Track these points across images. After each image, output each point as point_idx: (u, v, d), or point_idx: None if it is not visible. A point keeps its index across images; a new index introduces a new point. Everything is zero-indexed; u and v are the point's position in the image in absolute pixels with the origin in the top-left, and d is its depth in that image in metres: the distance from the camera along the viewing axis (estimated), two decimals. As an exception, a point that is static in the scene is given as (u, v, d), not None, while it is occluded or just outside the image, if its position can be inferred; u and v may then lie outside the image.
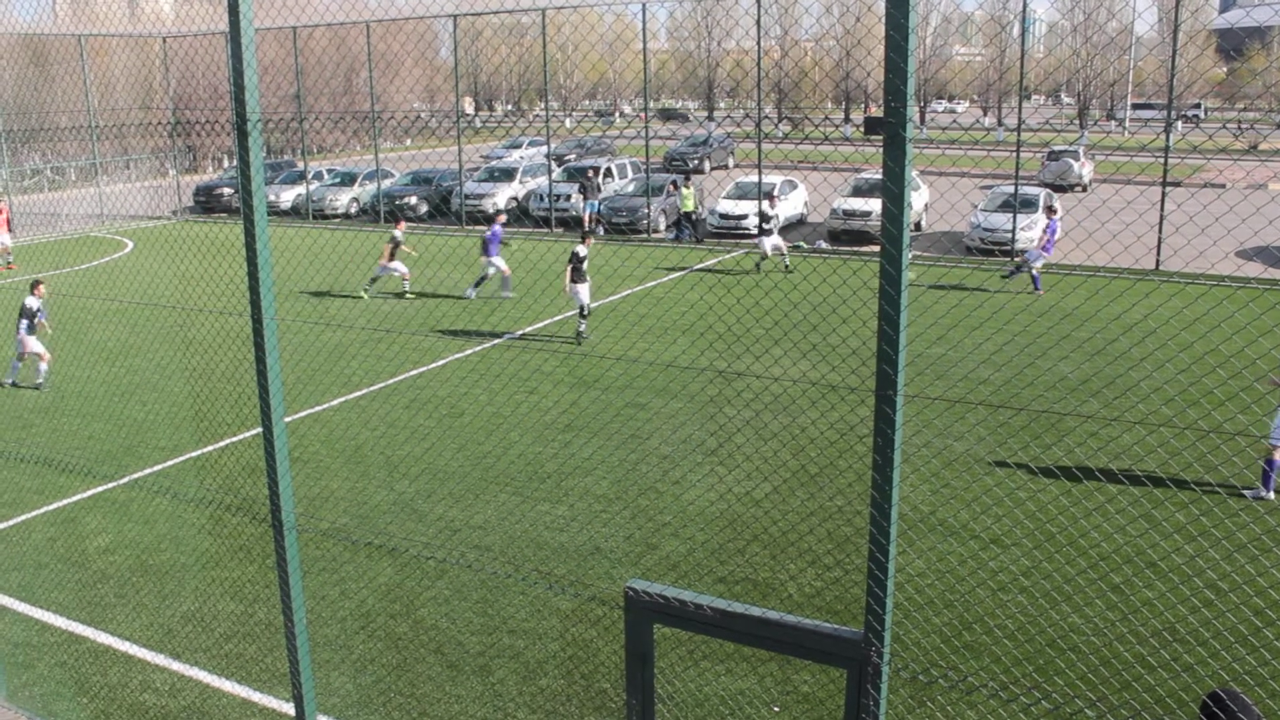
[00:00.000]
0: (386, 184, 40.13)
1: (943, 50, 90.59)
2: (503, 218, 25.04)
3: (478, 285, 24.30)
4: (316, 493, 12.77)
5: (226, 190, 42.08)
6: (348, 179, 41.36)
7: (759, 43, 32.92)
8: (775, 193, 30.70)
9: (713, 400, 16.11)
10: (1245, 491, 12.57)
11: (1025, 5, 32.22)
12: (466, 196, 37.35)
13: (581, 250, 19.93)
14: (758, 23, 32.54)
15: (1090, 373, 17.47)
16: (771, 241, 26.64)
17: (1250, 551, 10.97)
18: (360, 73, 55.69)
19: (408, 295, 24.81)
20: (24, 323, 17.79)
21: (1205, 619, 9.63)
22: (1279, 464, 12.42)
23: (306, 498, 12.55)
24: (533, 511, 12.19)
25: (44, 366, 18.09)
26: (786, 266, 26.55)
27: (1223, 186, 42.62)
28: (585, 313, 19.90)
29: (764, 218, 26.78)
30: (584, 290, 19.75)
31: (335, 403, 16.38)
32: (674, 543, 11.34)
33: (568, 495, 12.64)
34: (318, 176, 42.68)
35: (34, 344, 17.92)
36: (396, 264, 24.47)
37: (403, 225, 25.98)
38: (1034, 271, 24.21)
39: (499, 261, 23.73)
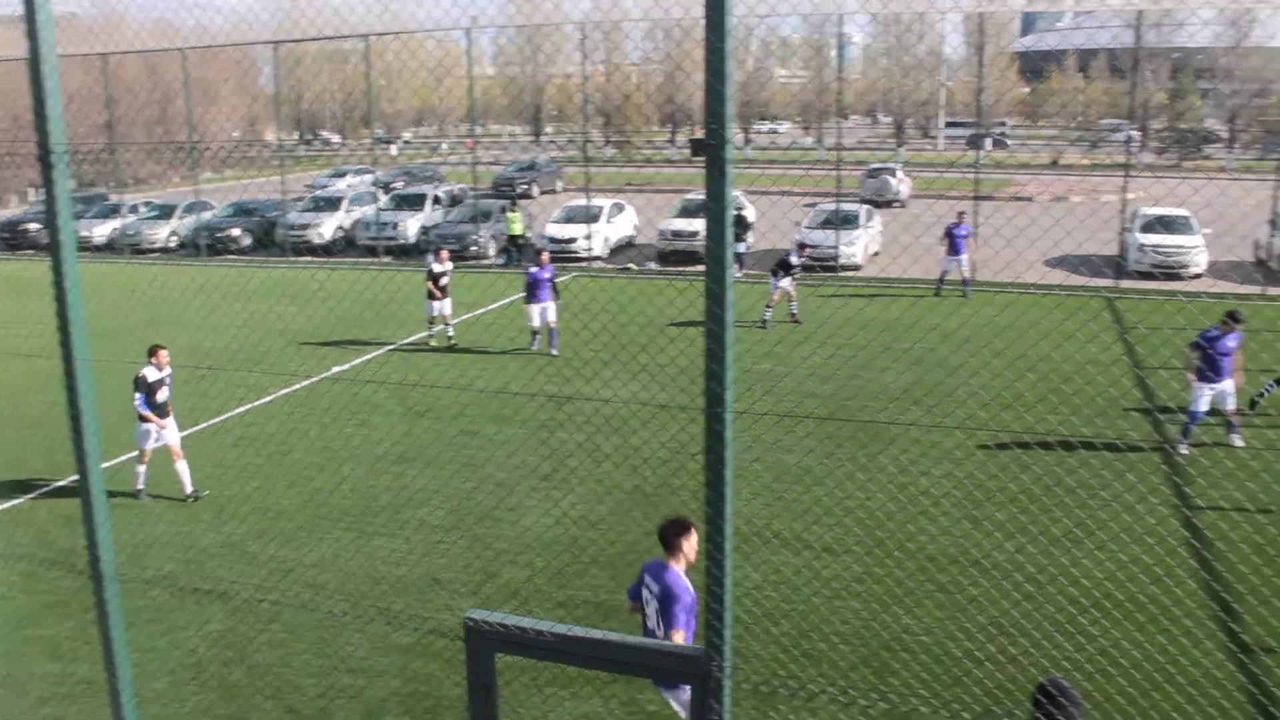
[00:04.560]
0: (207, 216, 38.93)
1: (764, 73, 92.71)
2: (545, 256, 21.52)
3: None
4: (140, 539, 12.26)
5: (33, 225, 40.10)
6: (165, 212, 39.94)
7: (584, 67, 33.22)
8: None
9: (544, 425, 16.11)
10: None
11: (841, 29, 33.32)
12: (291, 227, 36.52)
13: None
14: (581, 48, 32.85)
15: (912, 381, 18.12)
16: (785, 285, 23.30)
17: (1064, 545, 11.53)
18: (175, 101, 53.98)
19: (432, 341, 22.16)
20: (139, 398, 13.31)
21: (1027, 611, 10.08)
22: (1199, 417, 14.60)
23: (129, 545, 12.04)
24: (368, 546, 11.97)
25: (182, 467, 13.61)
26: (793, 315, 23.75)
27: (1029, 199, 44.80)
28: None
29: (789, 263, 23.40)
30: None
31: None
32: (513, 570, 11.29)
33: (404, 527, 12.46)
34: (133, 210, 41.09)
35: (167, 432, 13.57)
36: (441, 303, 21.71)
37: (444, 255, 22.35)
38: (963, 276, 25.98)
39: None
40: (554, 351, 20.83)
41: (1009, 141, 79.73)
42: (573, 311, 21.79)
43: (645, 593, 7.22)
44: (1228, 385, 14.40)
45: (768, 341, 21.17)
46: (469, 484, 13.77)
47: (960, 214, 26.25)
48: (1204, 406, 14.51)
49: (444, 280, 21.63)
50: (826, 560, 11.33)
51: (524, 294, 21.17)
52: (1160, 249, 28.41)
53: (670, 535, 7.21)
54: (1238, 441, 14.84)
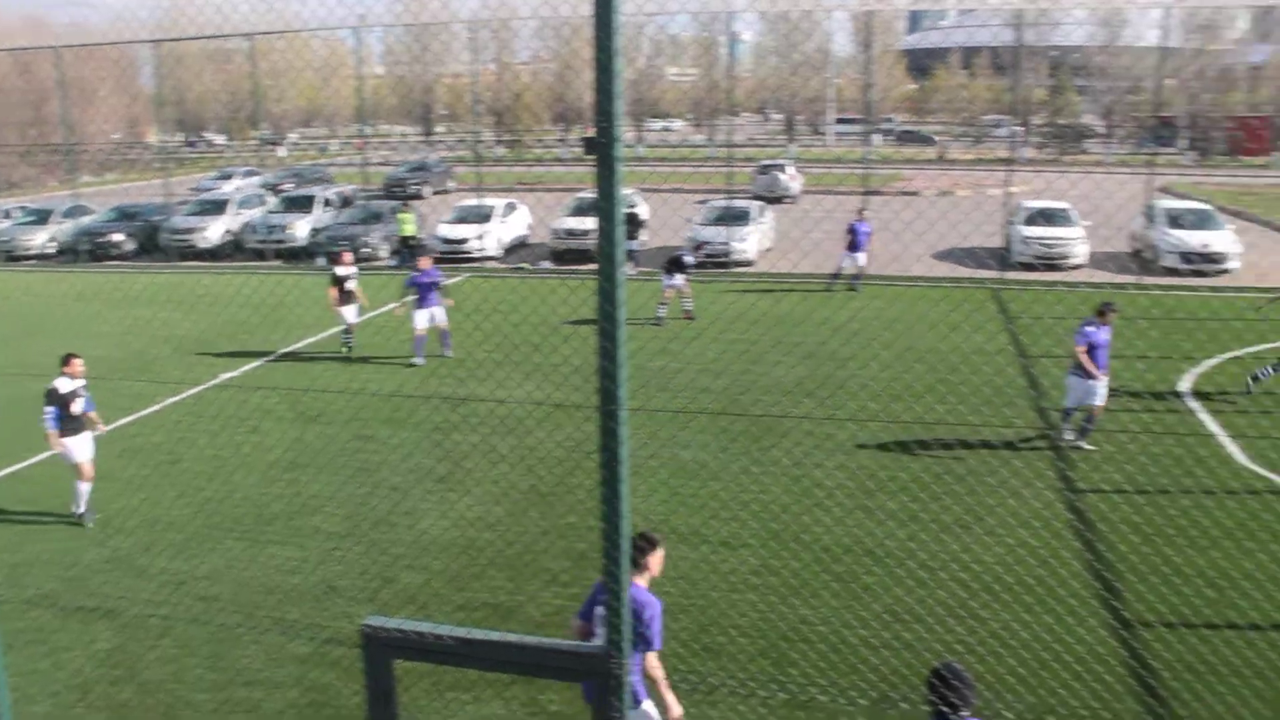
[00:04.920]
0: (87, 221, 37.73)
1: (654, 71, 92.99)
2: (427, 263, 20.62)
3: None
4: (20, 559, 11.85)
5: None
6: (42, 216, 38.57)
7: (474, 66, 33.00)
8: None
9: (439, 427, 15.97)
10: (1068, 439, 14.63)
11: (730, 27, 33.64)
12: (175, 231, 35.63)
13: None
14: (471, 46, 32.61)
15: (804, 375, 18.36)
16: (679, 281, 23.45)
17: (954, 531, 11.81)
18: (50, 101, 52.28)
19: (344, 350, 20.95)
20: (51, 412, 12.51)
21: (920, 597, 10.31)
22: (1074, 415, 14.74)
23: (8, 565, 11.64)
24: (262, 555, 11.75)
25: (84, 488, 12.87)
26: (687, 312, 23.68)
27: (915, 194, 45.77)
28: None
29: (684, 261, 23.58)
30: None
31: (38, 459, 15.22)
32: (410, 574, 11.19)
33: (298, 535, 12.26)
34: (6, 215, 39.67)
35: (77, 449, 12.80)
36: (348, 309, 20.80)
37: (347, 257, 21.28)
38: (856, 271, 26.58)
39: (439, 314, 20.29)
40: (448, 352, 20.45)
41: (935, 139, 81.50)
42: (465, 312, 21.63)
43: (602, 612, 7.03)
44: (1102, 379, 14.41)
45: (662, 338, 21.26)
46: (364, 489, 13.60)
47: (861, 210, 26.80)
48: (1073, 401, 14.65)
49: (349, 284, 20.85)
50: (724, 554, 11.44)
51: (408, 299, 20.46)
52: (1043, 241, 29.23)
53: (638, 551, 7.02)
54: (1086, 445, 14.59)
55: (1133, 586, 10.53)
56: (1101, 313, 14.48)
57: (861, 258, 26.38)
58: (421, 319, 20.09)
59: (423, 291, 20.09)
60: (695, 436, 15.32)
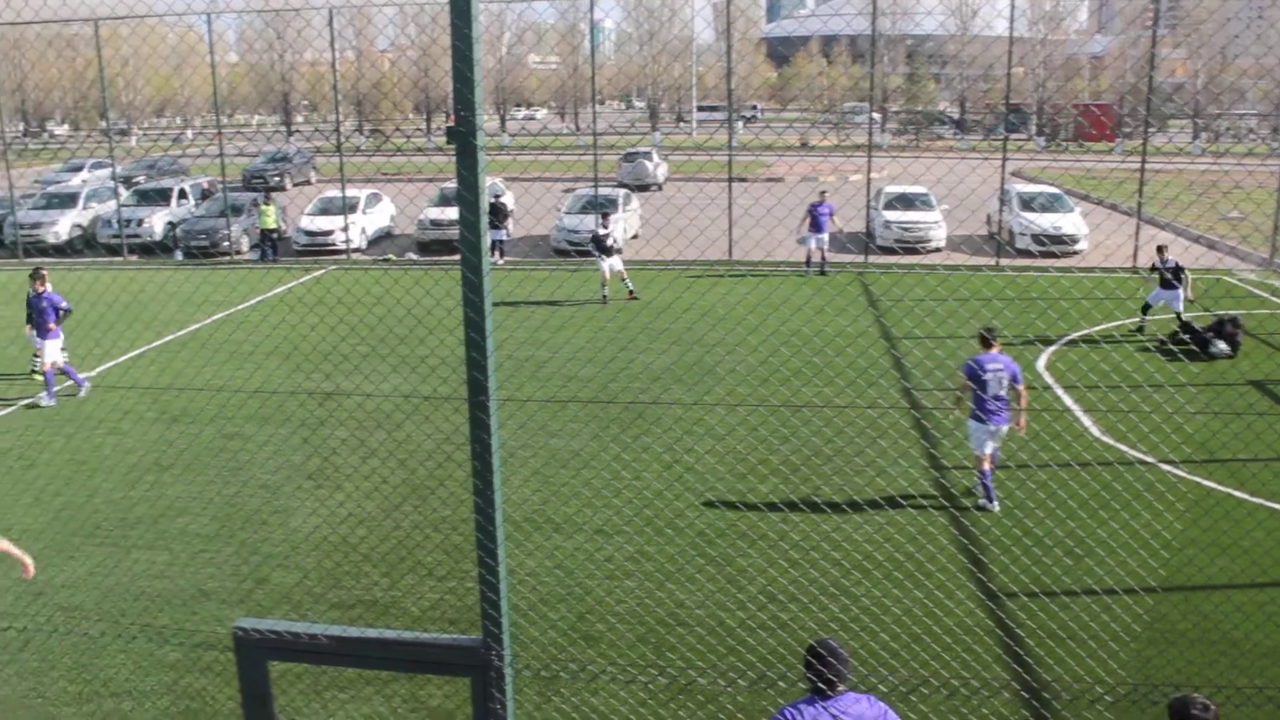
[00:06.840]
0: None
1: (517, 58, 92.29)
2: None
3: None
4: None
5: None
6: None
7: (333, 52, 32.37)
8: (614, 208, 29.02)
9: (305, 424, 15.64)
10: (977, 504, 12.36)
11: (592, 15, 33.67)
12: (21, 226, 34.09)
13: None
14: (330, 30, 31.95)
15: (673, 360, 18.50)
16: (610, 263, 23.92)
17: (826, 512, 12.05)
18: None
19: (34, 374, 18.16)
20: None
21: (794, 578, 10.50)
22: (990, 473, 12.20)
23: None
24: (127, 560, 11.36)
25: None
26: (630, 292, 24.14)
27: (780, 180, 46.49)
28: None
29: (599, 237, 24.10)
30: None
31: None
32: (283, 574, 10.95)
33: (164, 538, 11.88)
34: None
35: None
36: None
37: (45, 273, 17.40)
38: (822, 254, 26.92)
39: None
40: (48, 400, 16.95)
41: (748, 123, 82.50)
42: (328, 305, 21.22)
43: None
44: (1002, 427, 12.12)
45: (528, 327, 21.18)
46: (232, 488, 13.25)
47: (822, 193, 27.01)
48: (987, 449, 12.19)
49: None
50: (599, 542, 11.47)
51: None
52: (903, 225, 29.96)
53: None
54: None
55: (997, 559, 10.89)
56: (988, 342, 12.11)
57: (825, 239, 26.65)
58: (51, 350, 17.00)
59: (41, 317, 16.96)
60: (567, 425, 15.31)
